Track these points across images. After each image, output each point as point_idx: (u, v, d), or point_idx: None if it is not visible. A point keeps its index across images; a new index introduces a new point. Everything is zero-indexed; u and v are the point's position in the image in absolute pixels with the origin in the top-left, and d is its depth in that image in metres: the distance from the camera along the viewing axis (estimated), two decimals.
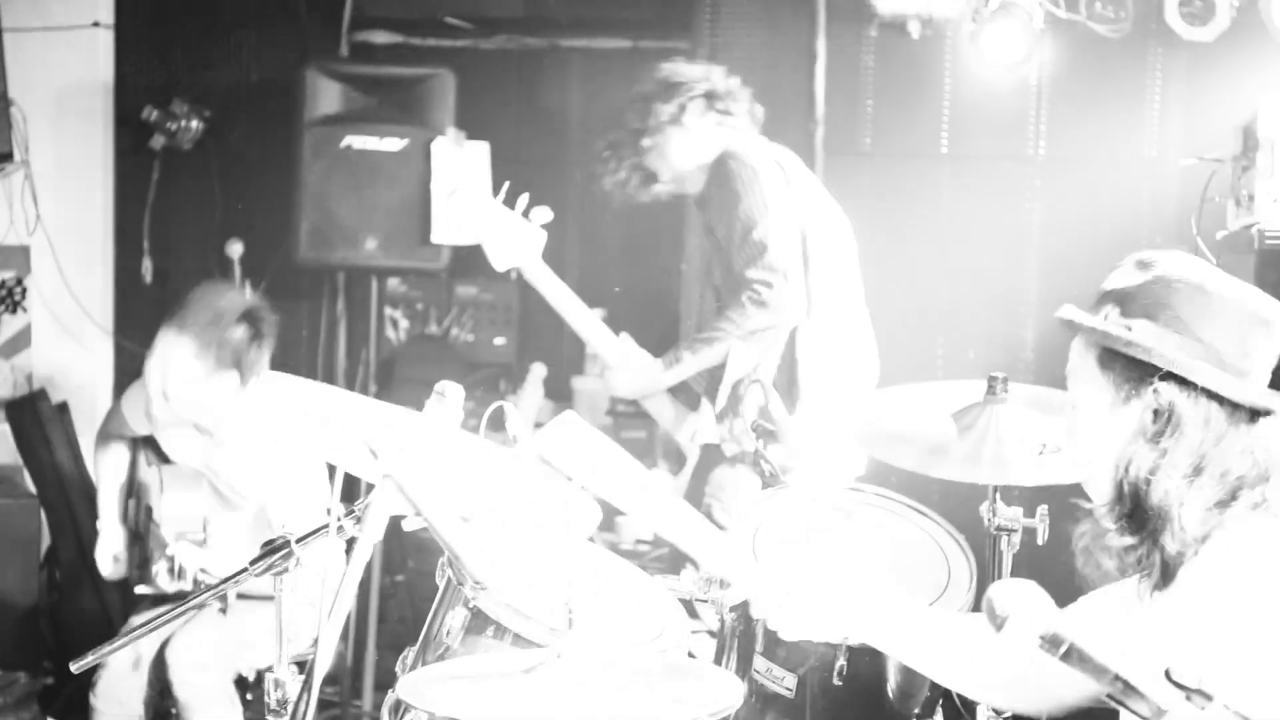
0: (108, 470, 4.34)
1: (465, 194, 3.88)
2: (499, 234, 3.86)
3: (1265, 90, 4.10)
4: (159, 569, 4.01)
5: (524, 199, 3.87)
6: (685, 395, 4.05)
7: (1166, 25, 4.65)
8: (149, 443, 4.28)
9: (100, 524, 4.29)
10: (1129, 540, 2.07)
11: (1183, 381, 2.05)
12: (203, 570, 3.97)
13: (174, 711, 4.03)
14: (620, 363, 3.96)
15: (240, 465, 4.11)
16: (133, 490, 4.31)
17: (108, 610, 5.14)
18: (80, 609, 5.20)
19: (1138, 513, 2.06)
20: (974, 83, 5.07)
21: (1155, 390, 2.06)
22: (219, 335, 3.95)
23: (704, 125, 3.98)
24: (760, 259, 3.75)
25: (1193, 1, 4.59)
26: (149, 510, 4.22)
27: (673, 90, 3.98)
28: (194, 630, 4.02)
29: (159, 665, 4.07)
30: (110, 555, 4.23)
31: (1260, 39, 4.55)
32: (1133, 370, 2.08)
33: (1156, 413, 2.06)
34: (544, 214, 3.87)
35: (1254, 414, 2.07)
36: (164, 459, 4.25)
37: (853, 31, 5.20)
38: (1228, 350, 2.06)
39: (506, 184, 3.89)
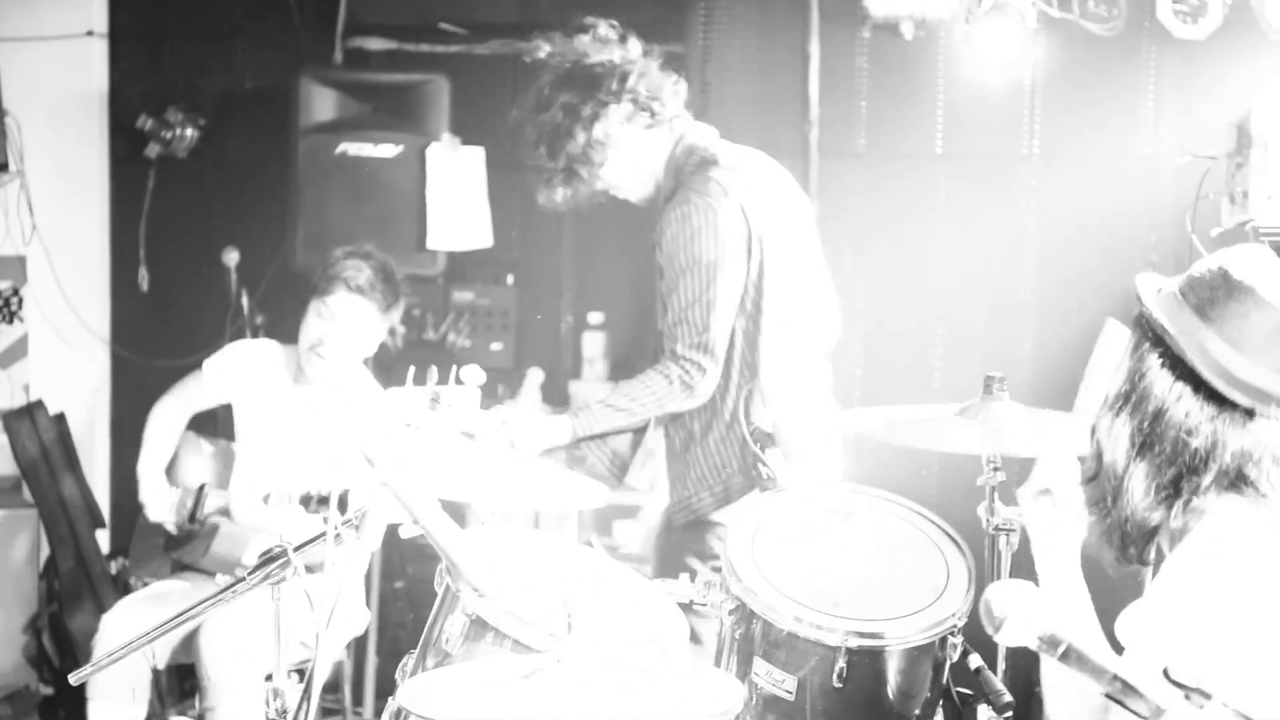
0: (164, 422, 4.45)
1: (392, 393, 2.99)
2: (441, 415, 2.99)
3: (1258, 87, 4.11)
4: (163, 501, 4.10)
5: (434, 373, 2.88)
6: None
7: (1159, 23, 4.65)
8: (205, 428, 4.36)
9: (142, 467, 4.38)
10: (1092, 510, 2.11)
11: (1178, 362, 2.07)
12: (220, 510, 4.06)
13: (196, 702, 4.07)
14: (514, 425, 3.43)
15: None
16: (177, 475, 4.38)
17: None
18: (79, 619, 5.20)
19: (1098, 475, 2.11)
20: (968, 83, 5.07)
21: (1143, 357, 2.09)
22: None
23: (632, 134, 3.61)
24: (695, 338, 3.46)
25: None
26: (202, 488, 4.27)
27: (586, 97, 3.57)
28: (232, 615, 4.01)
29: (181, 653, 4.10)
30: (156, 490, 4.31)
31: (1253, 36, 4.56)
32: (1142, 331, 2.12)
33: (1135, 377, 2.09)
34: (473, 376, 2.93)
35: (1250, 413, 2.07)
36: (228, 437, 4.35)
37: (846, 33, 5.20)
38: (1254, 350, 2.07)
39: (411, 369, 2.94)
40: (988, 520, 3.00)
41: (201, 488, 4.28)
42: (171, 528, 4.32)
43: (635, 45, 3.68)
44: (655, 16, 5.55)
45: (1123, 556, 2.14)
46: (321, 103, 5.34)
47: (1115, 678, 1.67)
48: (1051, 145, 5.18)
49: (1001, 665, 2.96)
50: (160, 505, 4.32)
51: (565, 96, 3.60)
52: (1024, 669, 4.15)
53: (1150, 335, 2.11)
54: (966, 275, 5.22)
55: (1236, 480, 2.06)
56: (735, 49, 5.27)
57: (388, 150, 5.28)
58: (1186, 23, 4.59)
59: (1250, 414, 2.06)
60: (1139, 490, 2.07)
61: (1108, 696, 1.68)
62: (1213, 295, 2.10)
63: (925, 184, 5.26)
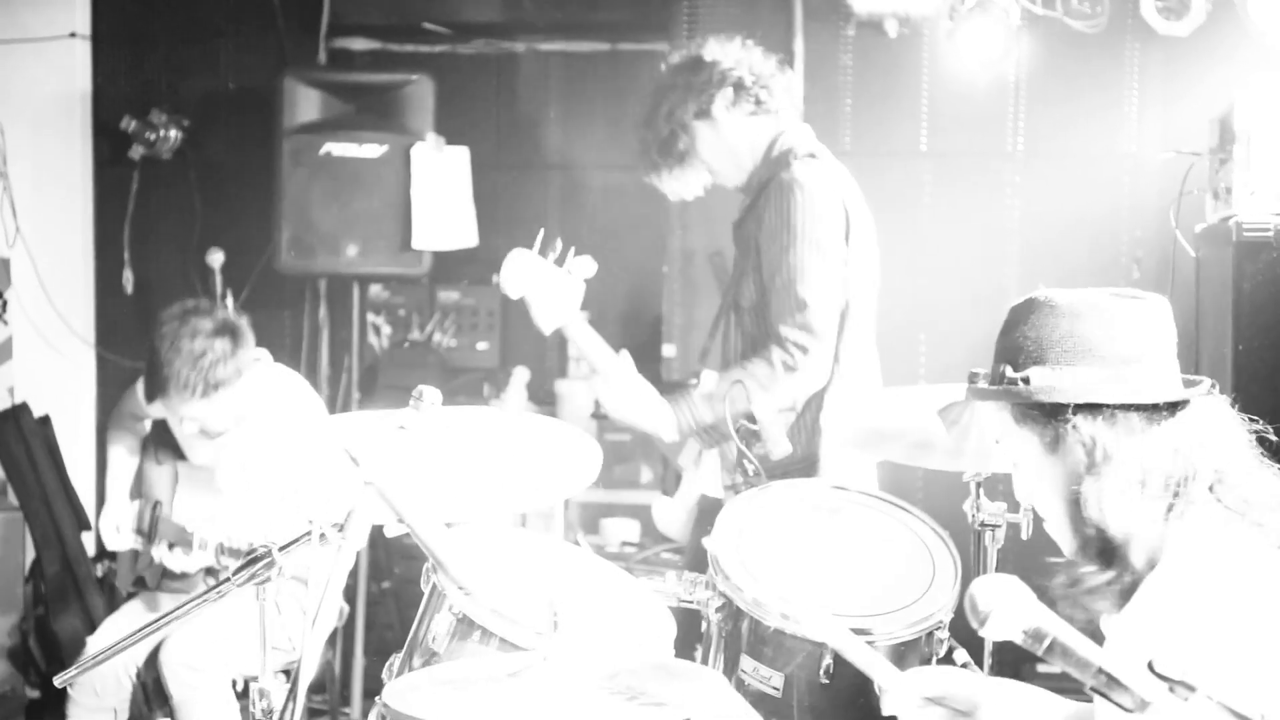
0: (120, 453, 4.39)
1: (519, 256, 3.46)
2: (546, 292, 3.46)
3: (1241, 83, 4.12)
4: (165, 549, 4.05)
5: (559, 246, 3.47)
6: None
7: (1142, 20, 4.66)
8: (160, 441, 4.32)
9: (108, 494, 4.32)
10: (1108, 575, 2.08)
11: (1094, 407, 2.08)
12: (226, 542, 3.99)
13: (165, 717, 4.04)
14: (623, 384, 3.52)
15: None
16: (140, 488, 4.34)
17: (93, 623, 5.12)
18: (65, 622, 5.18)
19: (1106, 547, 2.08)
20: (952, 80, 5.08)
21: (1074, 426, 2.09)
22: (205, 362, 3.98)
23: (735, 117, 3.67)
24: (797, 316, 3.44)
25: None
26: (157, 505, 4.23)
27: (696, 79, 3.68)
28: (191, 630, 4.01)
29: (152, 665, 4.08)
30: (113, 525, 4.26)
31: (1235, 32, 4.57)
32: (1046, 415, 2.12)
33: (1083, 446, 2.08)
34: (585, 266, 3.46)
35: (1173, 408, 2.08)
36: (177, 455, 4.29)
37: (830, 31, 5.21)
38: (1117, 347, 2.09)
39: (541, 231, 3.52)
40: (973, 516, 3.00)
41: (155, 505, 4.24)
42: (133, 546, 4.29)
43: (752, 48, 3.78)
44: (639, 15, 5.57)
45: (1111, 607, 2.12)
46: (305, 103, 5.34)
47: (1100, 671, 1.67)
48: (1035, 142, 5.19)
49: (988, 660, 2.96)
50: (115, 540, 4.27)
51: (671, 80, 3.73)
52: (1010, 664, 4.16)
53: (1057, 410, 2.10)
54: (951, 272, 5.23)
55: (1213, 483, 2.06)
56: None
57: (372, 150, 5.27)
58: (1169, 19, 4.61)
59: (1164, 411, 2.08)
60: (1152, 530, 2.06)
61: (1092, 689, 1.68)
62: (1054, 339, 2.12)
63: (910, 181, 5.27)
